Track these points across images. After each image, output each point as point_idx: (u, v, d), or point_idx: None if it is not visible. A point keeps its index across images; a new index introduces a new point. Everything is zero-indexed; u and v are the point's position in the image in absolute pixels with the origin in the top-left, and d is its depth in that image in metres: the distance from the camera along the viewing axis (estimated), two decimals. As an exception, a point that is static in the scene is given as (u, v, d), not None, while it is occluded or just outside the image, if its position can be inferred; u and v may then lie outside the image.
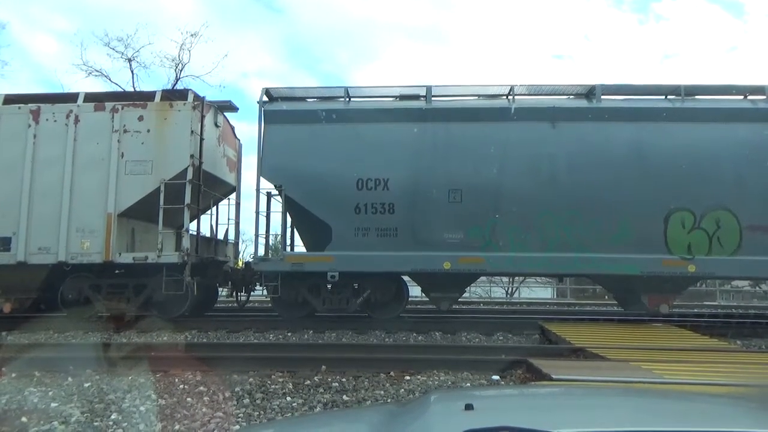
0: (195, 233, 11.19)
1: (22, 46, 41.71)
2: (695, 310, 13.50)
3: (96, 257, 9.83)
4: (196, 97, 10.45)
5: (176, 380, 5.85)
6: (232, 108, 12.19)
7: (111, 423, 4.60)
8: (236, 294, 11.24)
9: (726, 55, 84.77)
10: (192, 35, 22.62)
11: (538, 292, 23.41)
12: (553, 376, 5.20)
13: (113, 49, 21.88)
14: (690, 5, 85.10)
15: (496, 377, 6.06)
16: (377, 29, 79.83)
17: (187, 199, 9.96)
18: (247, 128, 37.10)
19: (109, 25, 46.94)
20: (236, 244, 12.85)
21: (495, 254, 9.51)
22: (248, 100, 63.37)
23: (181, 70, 22.36)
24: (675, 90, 9.95)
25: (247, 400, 5.24)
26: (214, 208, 12.00)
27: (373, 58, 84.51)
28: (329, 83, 68.22)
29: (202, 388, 5.57)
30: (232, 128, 12.50)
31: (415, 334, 9.30)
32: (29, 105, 10.34)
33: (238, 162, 12.63)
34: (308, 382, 5.84)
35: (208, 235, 11.80)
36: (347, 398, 5.36)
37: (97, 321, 9.89)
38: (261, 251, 10.51)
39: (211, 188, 11.13)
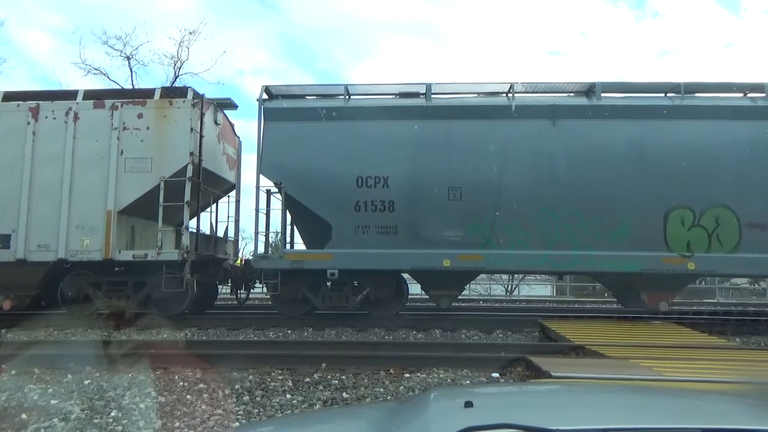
0: (195, 231, 11.20)
1: (16, 42, 41.65)
2: (694, 308, 13.51)
3: (96, 255, 9.83)
4: (196, 94, 10.43)
5: (176, 377, 5.86)
6: (232, 105, 12.17)
7: (111, 420, 4.60)
8: (236, 291, 11.25)
9: (723, 51, 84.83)
10: (190, 33, 22.47)
11: (537, 289, 23.40)
12: (553, 374, 5.21)
13: (111, 47, 21.77)
14: (687, 1, 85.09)
15: (495, 375, 6.07)
16: (373, 26, 79.87)
17: (187, 197, 9.95)
18: (242, 125, 37.08)
19: (102, 21, 46.79)
20: (236, 241, 12.86)
21: (494, 252, 9.52)
22: (244, 97, 63.35)
23: (179, 68, 22.26)
24: (675, 88, 9.94)
25: (246, 398, 5.25)
26: (214, 206, 12.00)
27: (369, 56, 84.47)
28: (325, 81, 67.97)
29: (201, 385, 5.58)
30: (232, 126, 12.49)
31: (414, 332, 9.30)
32: (28, 102, 10.33)
33: (238, 159, 12.62)
34: (308, 379, 5.85)
35: (207, 232, 11.80)
36: (347, 395, 5.36)
37: (96, 318, 9.90)
38: (261, 249, 10.52)
39: (211, 186, 11.13)
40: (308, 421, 2.29)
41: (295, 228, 11.05)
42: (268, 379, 5.83)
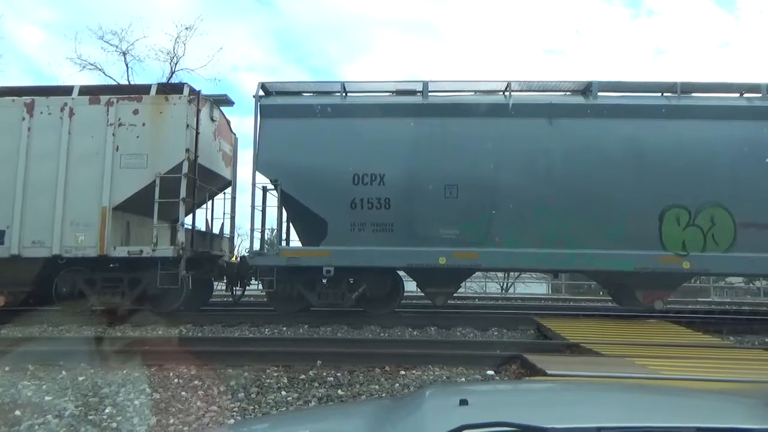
0: (190, 227, 11.16)
1: (10, 37, 41.42)
2: (690, 307, 13.57)
3: (90, 251, 9.78)
4: (192, 90, 10.39)
5: (171, 374, 5.85)
6: (228, 102, 12.13)
7: (105, 417, 4.59)
8: (231, 288, 11.22)
9: (718, 50, 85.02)
10: (187, 28, 22.38)
11: (533, 287, 23.45)
12: (548, 372, 5.23)
13: (107, 42, 21.69)
14: (682, 0, 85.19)
15: (490, 372, 6.08)
16: (368, 23, 79.41)
17: (183, 193, 9.91)
18: (237, 122, 36.82)
19: (97, 16, 46.39)
20: (231, 238, 12.83)
21: (490, 250, 9.53)
22: (239, 93, 62.69)
23: (176, 64, 22.19)
24: (671, 87, 9.96)
25: (241, 395, 5.24)
26: (210, 203, 11.96)
27: (363, 53, 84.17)
28: (320, 77, 67.58)
29: (196, 382, 5.57)
30: (228, 122, 12.46)
31: (410, 329, 9.30)
32: (23, 98, 10.26)
33: (234, 156, 12.59)
34: (303, 376, 5.85)
35: (203, 229, 11.78)
36: (342, 393, 5.37)
37: (91, 315, 9.86)
38: (256, 246, 10.49)
39: (207, 182, 11.10)
40: (303, 419, 2.28)
41: (291, 225, 11.03)
42: (264, 376, 5.83)
